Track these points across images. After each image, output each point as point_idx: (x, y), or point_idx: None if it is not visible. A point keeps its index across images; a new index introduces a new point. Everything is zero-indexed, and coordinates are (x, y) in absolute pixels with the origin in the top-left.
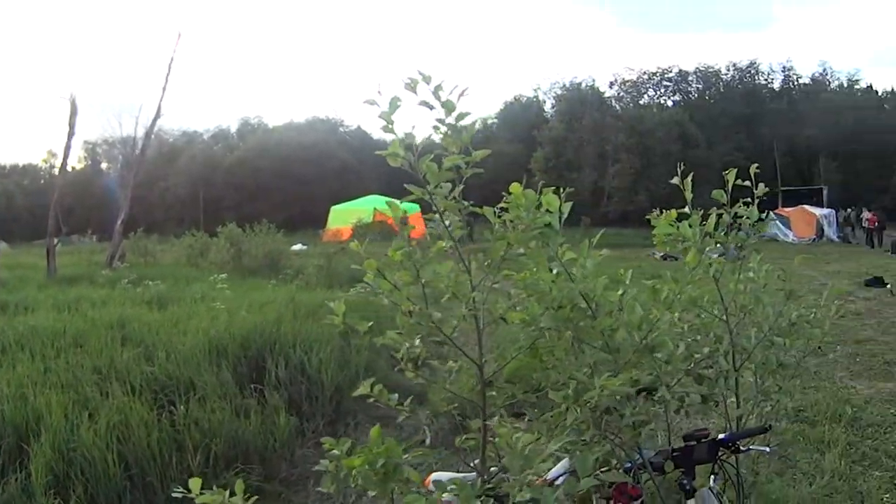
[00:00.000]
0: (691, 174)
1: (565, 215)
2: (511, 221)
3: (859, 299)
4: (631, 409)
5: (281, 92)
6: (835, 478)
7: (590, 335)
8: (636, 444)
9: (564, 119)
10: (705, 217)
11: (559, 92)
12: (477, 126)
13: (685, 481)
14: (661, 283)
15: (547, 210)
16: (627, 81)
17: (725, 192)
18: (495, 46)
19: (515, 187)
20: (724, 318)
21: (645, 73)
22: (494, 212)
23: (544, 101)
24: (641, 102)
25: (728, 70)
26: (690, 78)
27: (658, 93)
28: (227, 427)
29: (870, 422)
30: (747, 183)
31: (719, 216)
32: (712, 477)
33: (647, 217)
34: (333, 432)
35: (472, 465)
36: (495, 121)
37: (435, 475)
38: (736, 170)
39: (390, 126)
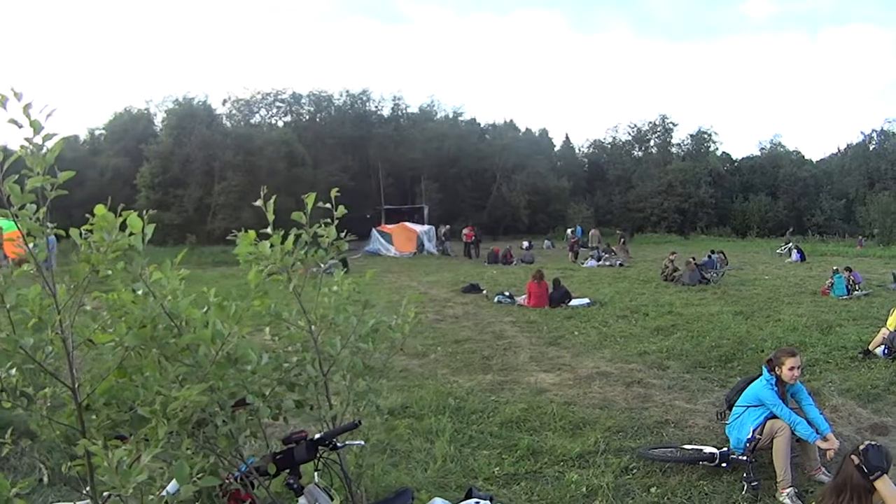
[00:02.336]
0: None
1: (149, 236)
2: (96, 243)
3: (458, 304)
4: (221, 419)
5: None
6: (447, 461)
7: (173, 351)
8: (237, 451)
9: (173, 134)
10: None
11: (170, 106)
12: (62, 145)
13: (291, 480)
14: (229, 300)
15: (130, 232)
16: (241, 100)
17: (305, 213)
18: (114, 51)
19: (100, 209)
20: (310, 329)
21: (259, 92)
22: (80, 233)
23: (155, 115)
24: (253, 121)
25: (341, 95)
26: (303, 100)
27: (270, 113)
28: None
29: (472, 409)
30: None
31: (298, 236)
32: (316, 473)
33: (230, 237)
34: None
35: (84, 492)
36: (103, 132)
37: None
38: (315, 194)
39: None
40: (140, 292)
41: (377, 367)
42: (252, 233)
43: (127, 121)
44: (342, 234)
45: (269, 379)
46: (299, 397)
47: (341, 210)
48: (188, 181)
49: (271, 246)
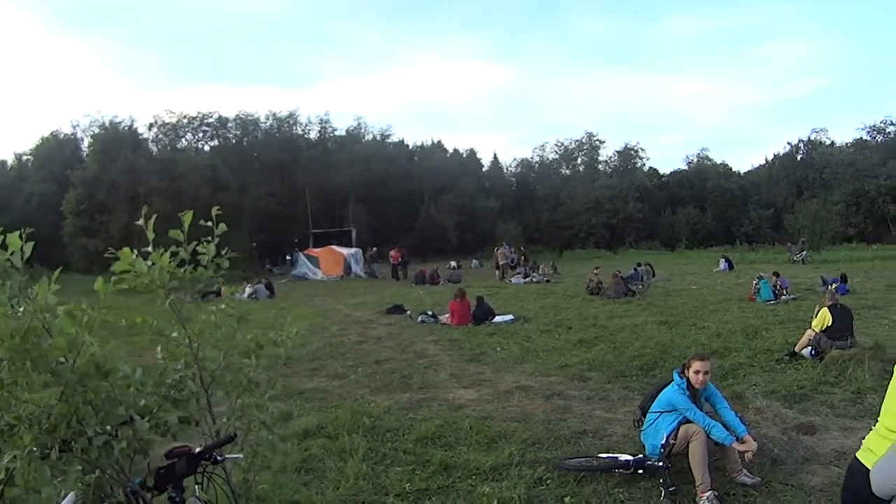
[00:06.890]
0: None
1: (28, 254)
2: None
3: (381, 325)
4: (94, 430)
5: None
6: (359, 479)
7: (44, 364)
8: (119, 466)
9: (99, 159)
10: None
11: (96, 130)
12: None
13: (174, 495)
14: (82, 310)
15: (12, 252)
16: (167, 124)
17: (183, 231)
18: (41, 73)
19: None
20: (189, 344)
21: (185, 116)
22: None
23: (81, 139)
24: (179, 146)
25: (268, 119)
26: (230, 124)
27: (196, 137)
28: None
29: (388, 428)
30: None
31: (174, 253)
32: (197, 487)
33: (107, 255)
34: None
35: None
36: (31, 157)
37: None
38: (193, 211)
39: None
40: (21, 309)
41: (261, 382)
42: (127, 250)
43: (54, 146)
44: (223, 252)
45: (154, 396)
46: (183, 413)
47: (223, 227)
48: (114, 207)
49: (152, 264)
